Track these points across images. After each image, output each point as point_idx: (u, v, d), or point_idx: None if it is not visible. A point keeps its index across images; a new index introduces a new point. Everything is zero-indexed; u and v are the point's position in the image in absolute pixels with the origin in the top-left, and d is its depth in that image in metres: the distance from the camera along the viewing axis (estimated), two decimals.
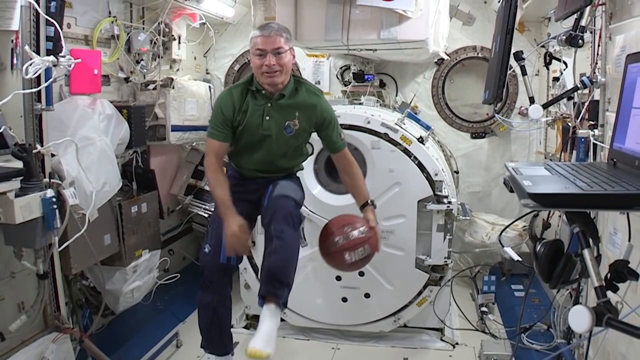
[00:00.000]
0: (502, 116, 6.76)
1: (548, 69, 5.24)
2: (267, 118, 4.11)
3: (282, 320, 5.68)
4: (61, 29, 3.94)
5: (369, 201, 4.38)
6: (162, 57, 6.27)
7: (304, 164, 4.68)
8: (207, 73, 7.59)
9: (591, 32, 3.71)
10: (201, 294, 4.07)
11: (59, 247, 4.09)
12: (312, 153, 4.84)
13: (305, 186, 4.93)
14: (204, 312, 4.11)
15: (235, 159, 4.40)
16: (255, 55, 3.99)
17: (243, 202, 4.18)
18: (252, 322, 5.94)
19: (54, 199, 3.71)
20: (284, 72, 4.02)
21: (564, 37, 3.70)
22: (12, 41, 3.78)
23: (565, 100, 4.16)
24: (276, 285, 3.82)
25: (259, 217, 4.36)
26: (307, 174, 5.28)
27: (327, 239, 4.25)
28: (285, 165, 4.37)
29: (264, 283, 3.87)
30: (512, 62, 4.29)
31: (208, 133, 4.24)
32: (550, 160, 4.98)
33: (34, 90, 3.80)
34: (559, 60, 4.34)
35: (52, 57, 3.79)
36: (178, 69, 6.74)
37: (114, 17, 5.47)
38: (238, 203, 4.06)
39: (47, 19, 3.83)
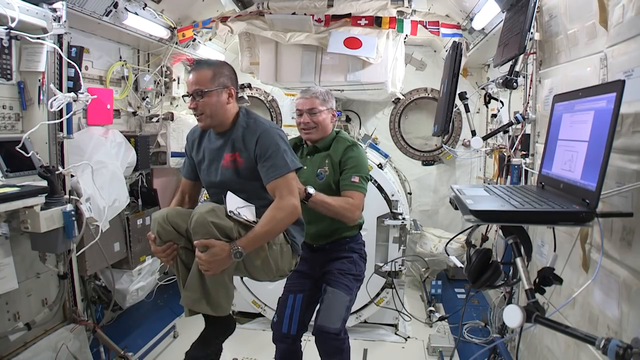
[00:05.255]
0: (449, 147, 6.81)
1: (487, 107, 5.28)
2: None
3: (262, 316, 5.70)
4: (80, 71, 3.97)
5: None
6: (164, 95, 6.26)
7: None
8: None
9: (524, 77, 3.73)
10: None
11: (77, 252, 4.16)
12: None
13: None
14: None
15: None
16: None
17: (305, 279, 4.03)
18: (238, 317, 5.89)
19: (72, 212, 3.73)
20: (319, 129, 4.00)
21: (501, 81, 3.72)
22: (40, 80, 3.79)
23: (501, 133, 4.18)
24: None
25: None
26: None
27: None
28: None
29: None
30: (458, 101, 4.32)
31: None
32: (489, 184, 5.02)
33: (57, 121, 3.85)
34: (496, 99, 4.37)
35: (72, 94, 3.85)
36: (177, 105, 6.71)
37: (124, 61, 5.48)
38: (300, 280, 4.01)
39: (68, 62, 3.88)
